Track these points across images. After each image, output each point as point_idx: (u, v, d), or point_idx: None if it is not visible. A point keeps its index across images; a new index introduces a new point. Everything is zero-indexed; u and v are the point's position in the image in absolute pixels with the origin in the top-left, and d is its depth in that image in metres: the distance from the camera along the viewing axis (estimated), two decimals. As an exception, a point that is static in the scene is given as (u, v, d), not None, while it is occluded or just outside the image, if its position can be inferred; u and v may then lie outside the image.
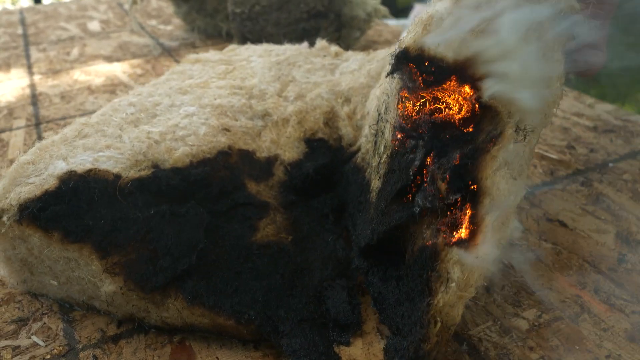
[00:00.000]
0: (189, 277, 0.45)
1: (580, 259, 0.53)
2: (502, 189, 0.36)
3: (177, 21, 1.36)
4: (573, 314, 0.47)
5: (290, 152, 0.56)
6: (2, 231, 0.46)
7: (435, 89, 0.40)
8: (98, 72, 1.07)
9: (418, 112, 0.41)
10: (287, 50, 0.74)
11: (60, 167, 0.49)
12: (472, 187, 0.36)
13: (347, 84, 0.64)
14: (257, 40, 1.05)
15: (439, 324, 0.35)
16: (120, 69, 1.08)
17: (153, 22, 1.40)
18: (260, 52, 0.75)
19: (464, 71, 0.37)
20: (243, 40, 1.08)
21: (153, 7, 1.53)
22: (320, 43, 0.75)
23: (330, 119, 0.60)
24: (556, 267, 0.52)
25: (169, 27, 1.34)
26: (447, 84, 0.39)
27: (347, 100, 0.62)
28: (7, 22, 1.49)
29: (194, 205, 0.48)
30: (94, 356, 0.44)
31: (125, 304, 0.45)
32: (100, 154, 0.51)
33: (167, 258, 0.45)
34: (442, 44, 0.37)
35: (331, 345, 0.44)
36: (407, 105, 0.41)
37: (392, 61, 0.39)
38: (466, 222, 0.36)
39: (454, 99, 0.41)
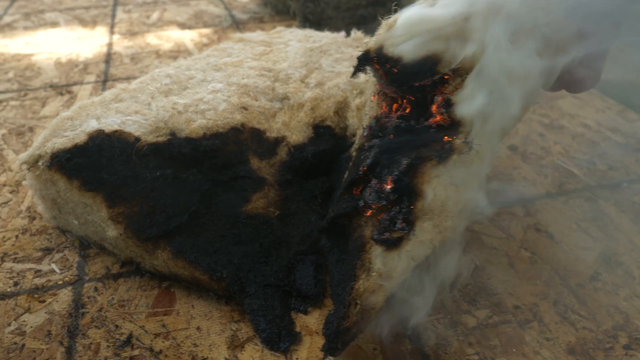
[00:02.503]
0: (178, 233, 0.52)
1: (553, 271, 0.55)
2: (439, 195, 0.40)
3: (254, -5, 1.43)
4: (523, 320, 0.50)
5: (298, 135, 0.62)
6: (37, 173, 0.55)
7: (403, 90, 0.44)
8: (169, 38, 1.16)
9: (385, 115, 0.45)
10: (324, 38, 0.78)
11: (92, 125, 0.57)
12: (410, 190, 0.40)
13: (365, 76, 0.68)
14: (317, 21, 1.10)
15: (358, 306, 0.40)
16: (189, 37, 1.17)
17: (232, -7, 1.48)
18: (300, 37, 0.80)
19: (422, 73, 0.41)
20: (304, 21, 1.13)
21: (236, -22, 1.61)
22: (356, 34, 0.79)
23: (341, 108, 0.64)
24: (525, 275, 0.55)
25: (245, 0, 1.41)
26: (414, 88, 0.43)
27: (362, 92, 0.66)
28: (104, -18, 1.62)
29: (195, 173, 0.55)
30: (95, 288, 0.53)
31: (125, 248, 0.53)
32: (128, 117, 0.59)
33: (162, 215, 0.52)
34: (401, 45, 0.40)
35: (289, 311, 0.49)
36: (378, 104, 0.45)
37: (356, 63, 0.44)
38: (399, 221, 0.40)
39: (419, 105, 0.44)
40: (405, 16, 0.42)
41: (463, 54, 0.41)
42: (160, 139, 0.57)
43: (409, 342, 0.47)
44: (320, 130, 0.62)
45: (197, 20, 1.27)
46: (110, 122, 0.58)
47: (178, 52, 1.09)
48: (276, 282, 0.50)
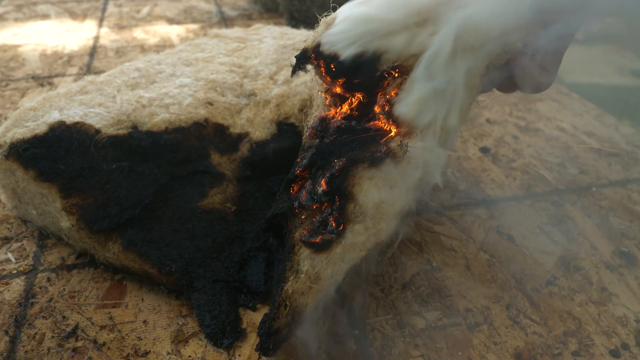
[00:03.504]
0: (131, 226, 0.51)
1: (509, 274, 0.55)
2: (372, 197, 0.39)
3: (245, -9, 1.43)
4: (473, 323, 0.49)
5: (261, 131, 0.61)
6: (-3, 163, 0.55)
7: (348, 88, 0.43)
8: (156, 33, 1.16)
9: (331, 116, 0.44)
10: (299, 35, 0.78)
11: (54, 116, 0.57)
12: (342, 193, 0.39)
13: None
14: (303, 19, 1.10)
15: (287, 308, 0.39)
16: (175, 32, 1.17)
17: (224, -11, 1.48)
18: (275, 34, 0.79)
19: (360, 70, 0.40)
20: (291, 18, 1.13)
21: (230, -25, 1.61)
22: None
23: (306, 106, 0.64)
24: (481, 278, 0.54)
25: (236, -4, 1.41)
26: (357, 86, 0.43)
27: (329, 90, 0.66)
28: (99, -25, 1.62)
29: (151, 167, 0.55)
30: (48, 278, 0.53)
31: (79, 240, 0.53)
32: (91, 110, 0.59)
33: (115, 207, 0.52)
34: (338, 43, 0.40)
35: (237, 307, 0.49)
36: (324, 104, 0.45)
37: (294, 61, 0.43)
38: (330, 223, 0.40)
39: (366, 105, 0.44)
40: (343, 14, 0.42)
41: (405, 53, 0.41)
42: (121, 131, 0.57)
43: (354, 342, 0.47)
44: (283, 127, 0.62)
45: (186, 16, 1.27)
46: (72, 114, 0.58)
47: (163, 47, 1.09)
48: (226, 277, 0.50)
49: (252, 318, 0.49)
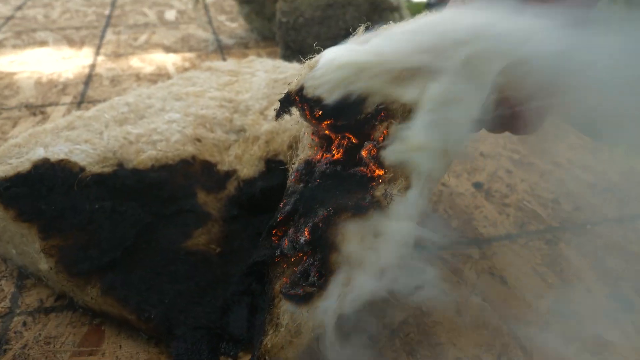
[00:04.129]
0: (111, 269, 0.50)
1: (502, 320, 0.53)
2: (356, 248, 0.38)
3: (243, 20, 1.43)
4: (462, 373, 0.48)
5: (249, 169, 0.61)
6: (-23, 201, 0.54)
7: (336, 131, 0.42)
8: (152, 61, 1.16)
9: (317, 160, 0.43)
10: (291, 69, 0.78)
11: (39, 153, 0.56)
12: (324, 243, 0.38)
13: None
14: (298, 49, 1.10)
15: None
16: (172, 61, 1.17)
17: (223, 17, 1.49)
18: (268, 68, 0.79)
19: (344, 113, 0.40)
20: (286, 48, 1.13)
21: (229, 4, 1.62)
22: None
23: (296, 142, 0.63)
24: (472, 324, 0.53)
25: (234, 25, 1.42)
26: (344, 128, 0.42)
27: (319, 126, 0.65)
28: (100, 3, 1.63)
29: (134, 206, 0.54)
30: (24, 322, 0.51)
31: (58, 282, 0.52)
32: (77, 146, 0.58)
33: (95, 249, 0.51)
34: (322, 86, 0.39)
35: (217, 356, 0.48)
36: (310, 146, 0.44)
37: (279, 105, 0.43)
38: (312, 275, 0.38)
39: (347, 151, 0.43)
40: (326, 56, 0.41)
41: (392, 97, 0.40)
42: (106, 169, 0.56)
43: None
44: (272, 164, 0.61)
45: (182, 44, 1.27)
46: (57, 151, 0.57)
47: (159, 76, 1.09)
48: (207, 324, 0.49)
49: (234, 366, 0.47)
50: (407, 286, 0.50)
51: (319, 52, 0.43)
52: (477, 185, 0.75)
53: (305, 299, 0.38)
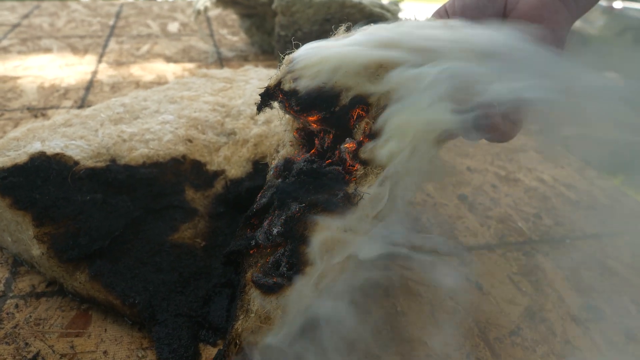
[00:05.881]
0: (99, 257, 0.52)
1: (474, 322, 0.55)
2: (326, 241, 0.40)
3: (244, 34, 1.47)
4: (431, 370, 0.49)
5: (237, 170, 0.63)
6: (-25, 190, 0.56)
7: (308, 125, 0.45)
8: (152, 70, 1.19)
9: (291, 160, 0.46)
10: (285, 78, 0.80)
11: (36, 147, 0.59)
12: (296, 236, 0.40)
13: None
14: (296, 63, 1.13)
15: (237, 346, 0.40)
16: (172, 70, 1.20)
17: (224, 30, 1.52)
18: (262, 76, 0.82)
19: (318, 106, 0.42)
20: (284, 61, 1.16)
21: (231, 18, 1.66)
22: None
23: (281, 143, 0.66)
24: (444, 325, 0.54)
25: (235, 38, 1.45)
26: (325, 121, 0.44)
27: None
28: (105, 13, 1.67)
29: (124, 200, 0.56)
30: (16, 305, 0.53)
31: (49, 268, 0.54)
32: (72, 142, 0.61)
33: (85, 237, 0.53)
34: (298, 80, 0.42)
35: (197, 342, 0.49)
36: (291, 143, 0.47)
37: (259, 99, 0.45)
38: (283, 265, 0.40)
39: (324, 148, 0.45)
40: (303, 51, 0.43)
41: (366, 91, 0.42)
42: (99, 164, 0.59)
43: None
44: (259, 166, 0.63)
45: (183, 55, 1.30)
46: (54, 145, 0.59)
47: (158, 84, 1.12)
48: (189, 312, 0.51)
49: (212, 354, 0.49)
50: (381, 283, 0.52)
51: (297, 47, 0.45)
52: (462, 198, 0.77)
53: (274, 288, 0.40)
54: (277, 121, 0.68)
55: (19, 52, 1.31)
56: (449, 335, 0.53)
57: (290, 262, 0.40)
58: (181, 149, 0.63)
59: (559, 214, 0.75)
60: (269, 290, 0.39)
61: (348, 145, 0.43)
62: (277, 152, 0.49)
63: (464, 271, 0.62)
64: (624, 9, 3.59)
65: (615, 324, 0.56)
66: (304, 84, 0.42)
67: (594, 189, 0.82)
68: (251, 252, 0.43)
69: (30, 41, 1.40)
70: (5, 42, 1.39)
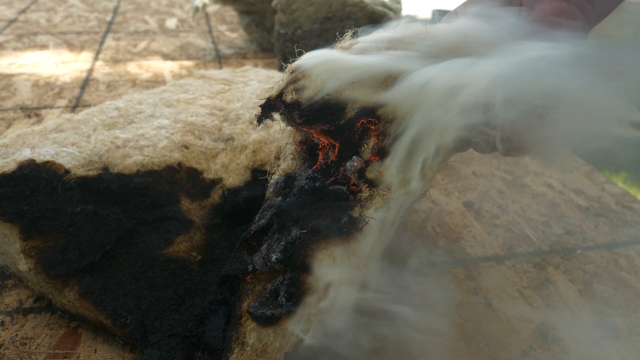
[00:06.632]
0: (89, 272, 0.50)
1: (483, 342, 0.52)
2: (328, 269, 0.37)
3: (242, 31, 1.44)
4: (440, 394, 0.47)
5: (234, 178, 0.60)
6: (-41, 200, 0.53)
7: (311, 138, 0.42)
8: (149, 68, 1.17)
9: (293, 176, 0.43)
10: (285, 79, 0.77)
11: (25, 154, 0.56)
12: (296, 264, 0.37)
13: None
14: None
15: None
16: (169, 68, 1.17)
17: (223, 27, 1.49)
18: (261, 78, 0.79)
19: (322, 118, 0.39)
20: (284, 59, 1.13)
21: (230, 14, 1.63)
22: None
23: (282, 153, 0.63)
24: (453, 345, 0.52)
25: (234, 35, 1.42)
26: (329, 134, 0.41)
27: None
28: (102, 9, 1.64)
29: (116, 211, 0.53)
30: (2, 322, 0.51)
31: (37, 283, 0.51)
32: (63, 149, 0.58)
33: (75, 252, 0.50)
34: (301, 91, 0.39)
35: (191, 365, 0.47)
36: (292, 156, 0.44)
37: (260, 111, 0.42)
38: (282, 295, 0.37)
39: (328, 165, 0.42)
40: (306, 60, 0.41)
41: (372, 102, 0.39)
42: (90, 173, 0.56)
43: (313, 410, 0.45)
44: (258, 174, 0.60)
45: (181, 52, 1.27)
46: (44, 153, 0.56)
47: (155, 83, 1.09)
48: (183, 332, 0.48)
49: (208, 378, 0.46)
50: (386, 305, 0.49)
51: (299, 54, 0.43)
52: (468, 205, 0.74)
53: (272, 321, 0.37)
54: (277, 126, 0.65)
55: (15, 49, 1.28)
56: (457, 355, 0.51)
57: (290, 291, 0.37)
58: (177, 156, 0.60)
59: (569, 222, 0.72)
60: (266, 322, 0.37)
61: (355, 163, 0.40)
62: (278, 163, 0.46)
63: (472, 285, 0.59)
64: (625, 3, 3.55)
65: (632, 342, 0.54)
66: (308, 95, 0.39)
67: (604, 194, 0.80)
68: (248, 278, 0.40)
69: (26, 37, 1.37)
70: (0, 38, 1.36)
